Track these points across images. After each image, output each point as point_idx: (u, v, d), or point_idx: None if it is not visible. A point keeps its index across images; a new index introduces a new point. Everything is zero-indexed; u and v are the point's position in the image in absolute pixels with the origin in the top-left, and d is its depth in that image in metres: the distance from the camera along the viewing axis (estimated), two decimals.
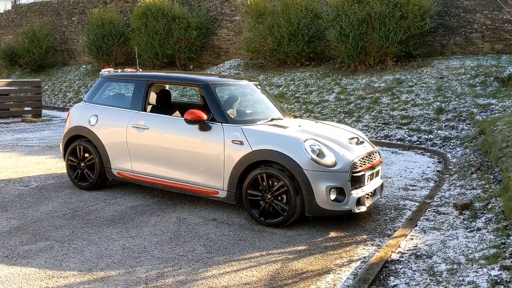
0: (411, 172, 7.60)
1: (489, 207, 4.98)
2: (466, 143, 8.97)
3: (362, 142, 5.36)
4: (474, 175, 6.53)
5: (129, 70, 6.67)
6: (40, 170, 7.17)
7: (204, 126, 5.17)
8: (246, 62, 15.60)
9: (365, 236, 4.70)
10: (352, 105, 11.68)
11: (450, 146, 9.19)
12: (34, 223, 4.88)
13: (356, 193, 4.84)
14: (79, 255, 4.09)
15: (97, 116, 5.96)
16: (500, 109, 9.97)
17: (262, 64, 15.17)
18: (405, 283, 3.54)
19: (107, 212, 5.24)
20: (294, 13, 13.71)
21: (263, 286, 3.59)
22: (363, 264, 4.03)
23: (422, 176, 7.37)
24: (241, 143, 4.97)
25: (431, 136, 9.82)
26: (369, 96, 11.88)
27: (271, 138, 4.93)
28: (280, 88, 13.12)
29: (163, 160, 5.45)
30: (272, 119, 5.52)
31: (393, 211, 5.52)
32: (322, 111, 11.67)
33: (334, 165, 4.73)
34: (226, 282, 3.65)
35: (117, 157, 5.80)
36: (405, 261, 3.92)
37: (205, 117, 5.15)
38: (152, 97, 5.98)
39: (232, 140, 5.02)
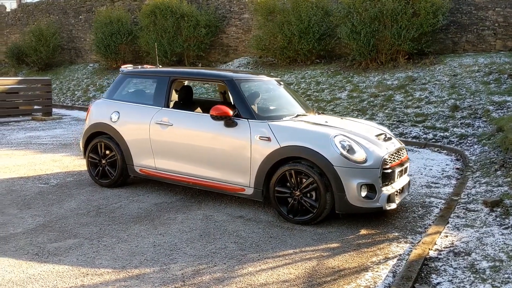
0: (431, 169, 7.51)
1: None
2: (484, 141, 8.88)
3: (390, 138, 5.29)
4: (499, 172, 6.45)
5: (148, 66, 6.59)
6: (58, 167, 7.10)
7: (230, 122, 5.10)
8: (256, 60, 15.53)
9: (396, 234, 4.62)
10: (365, 102, 11.60)
11: (467, 144, 9.10)
12: (60, 220, 4.81)
13: (387, 190, 4.77)
14: (110, 252, 4.02)
15: (118, 112, 5.89)
16: None
17: (272, 62, 15.10)
18: (448, 281, 3.47)
19: (131, 209, 5.17)
20: (304, 10, 13.63)
21: (302, 283, 3.52)
22: (399, 261, 3.95)
23: (443, 173, 7.29)
24: (269, 139, 4.90)
25: (447, 134, 9.73)
26: (382, 93, 11.80)
27: (300, 134, 4.85)
28: (291, 86, 13.02)
29: (187, 157, 5.37)
30: (297, 115, 5.44)
31: (420, 209, 5.44)
32: (335, 109, 11.59)
33: (365, 161, 4.65)
34: (264, 279, 3.57)
35: (139, 154, 5.73)
36: (444, 259, 3.85)
37: (231, 113, 5.08)
38: (174, 94, 5.91)
39: (259, 137, 4.95)
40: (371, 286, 3.50)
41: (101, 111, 6.10)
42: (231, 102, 6.67)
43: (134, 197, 5.65)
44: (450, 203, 5.37)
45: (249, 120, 5.08)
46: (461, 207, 5.24)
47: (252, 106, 5.24)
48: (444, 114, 10.50)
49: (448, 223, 4.73)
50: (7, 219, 4.80)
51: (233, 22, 16.61)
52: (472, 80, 11.53)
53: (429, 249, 3.99)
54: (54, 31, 18.65)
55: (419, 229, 4.77)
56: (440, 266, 3.72)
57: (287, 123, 5.08)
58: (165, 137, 5.52)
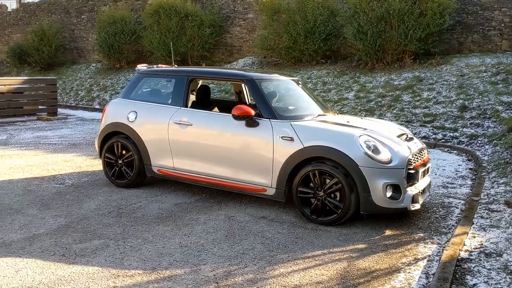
0: (444, 170, 7.50)
1: None
2: (495, 141, 8.88)
3: (412, 139, 5.27)
4: None
5: (164, 66, 6.55)
6: (71, 168, 7.05)
7: (251, 122, 5.06)
8: (260, 60, 15.50)
9: (421, 234, 4.60)
10: (372, 103, 11.59)
11: (478, 144, 9.10)
12: (81, 221, 4.76)
13: (411, 191, 4.74)
14: (137, 253, 3.98)
15: (136, 112, 5.84)
16: None
17: (277, 62, 15.07)
18: (484, 282, 3.44)
19: (152, 210, 5.13)
20: (310, 10, 13.62)
21: (336, 285, 3.49)
22: (430, 262, 3.93)
23: (456, 174, 7.27)
24: (292, 139, 4.86)
25: (457, 134, 9.72)
26: (390, 93, 11.79)
27: (324, 134, 4.82)
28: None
29: (207, 157, 5.33)
30: (318, 115, 5.41)
31: (441, 209, 5.42)
32: (343, 109, 11.56)
33: (390, 161, 4.63)
34: (297, 281, 3.54)
35: (157, 154, 5.68)
36: (476, 260, 3.82)
37: (253, 112, 5.04)
38: (192, 93, 5.87)
39: (282, 136, 4.91)
40: (406, 287, 3.47)
41: (117, 111, 6.05)
42: (246, 102, 6.66)
43: (153, 197, 5.61)
44: (471, 204, 5.34)
45: (271, 120, 5.05)
46: (483, 208, 5.22)
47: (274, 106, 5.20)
48: (453, 114, 10.49)
49: (473, 223, 4.70)
50: (29, 220, 4.75)
51: (237, 22, 16.57)
52: (479, 80, 11.53)
53: (459, 250, 3.96)
54: (56, 30, 18.58)
55: (443, 230, 4.74)
56: (473, 267, 3.69)
57: (310, 123, 5.05)
58: (184, 137, 5.47)
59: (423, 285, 3.52)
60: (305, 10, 13.71)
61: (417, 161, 4.93)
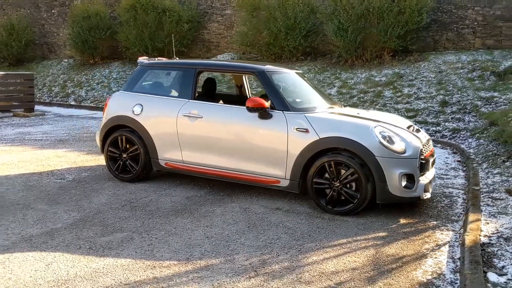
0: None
1: None
2: (478, 134, 9.20)
3: (419, 130, 5.41)
4: (508, 163, 6.71)
5: (164, 59, 6.48)
6: (65, 163, 6.88)
7: (265, 114, 5.09)
8: (240, 56, 15.49)
9: (434, 222, 4.74)
10: (355, 98, 11.79)
11: (461, 138, 9.41)
12: (96, 215, 4.67)
13: (423, 180, 4.88)
14: (165, 245, 3.94)
15: (141, 105, 5.76)
16: (504, 101, 10.29)
17: (256, 58, 15.11)
18: (511, 264, 3.59)
19: (165, 203, 5.08)
20: (291, 7, 13.72)
21: (371, 271, 3.57)
22: (451, 248, 4.06)
23: (447, 166, 7.50)
24: (306, 131, 4.92)
25: (440, 128, 10.03)
26: (371, 89, 12.03)
27: (340, 126, 4.90)
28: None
29: (219, 150, 5.32)
30: (328, 107, 5.48)
31: (444, 199, 5.59)
32: None
33: (404, 151, 4.75)
34: (333, 267, 3.60)
35: (165, 147, 5.63)
36: (497, 244, 3.98)
37: (267, 105, 5.06)
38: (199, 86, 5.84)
39: (297, 128, 4.95)
40: (437, 271, 3.59)
41: (121, 104, 5.95)
42: (247, 96, 6.68)
43: (161, 191, 5.55)
44: (474, 193, 5.53)
45: (284, 112, 5.08)
46: (486, 196, 5.42)
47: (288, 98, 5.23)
48: (434, 109, 10.81)
49: (481, 211, 4.88)
50: (41, 215, 4.62)
51: (215, 18, 16.52)
52: (457, 76, 11.91)
53: (479, 235, 4.11)
54: (25, 25, 18.01)
55: (453, 218, 4.90)
56: (497, 251, 3.84)
57: (323, 115, 5.12)
58: (194, 130, 5.44)
59: (452, 268, 3.64)
60: (285, 7, 13.80)
61: (427, 151, 5.08)
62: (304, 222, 4.62)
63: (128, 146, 5.86)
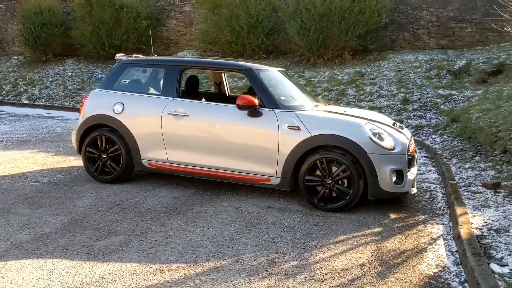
0: None
1: None
2: (441, 131, 9.55)
3: (402, 127, 5.54)
4: (477, 158, 7.00)
5: (140, 56, 6.30)
6: (35, 165, 6.56)
7: (255, 112, 5.05)
8: (200, 54, 15.33)
9: (422, 216, 4.87)
10: (319, 97, 11.93)
11: (424, 134, 9.73)
12: (85, 218, 4.48)
13: (410, 176, 5.01)
14: (167, 247, 3.83)
15: (123, 103, 5.57)
16: (463, 99, 10.74)
17: (218, 56, 14.99)
18: (508, 255, 3.74)
19: (153, 205, 4.95)
20: (253, 5, 13.70)
21: (378, 266, 3.62)
22: (446, 241, 4.19)
23: (416, 161, 7.73)
24: (298, 128, 4.92)
25: (403, 125, 10.30)
26: (335, 88, 12.23)
27: (331, 123, 4.94)
28: (244, 80, 13.05)
29: (207, 148, 5.23)
30: (315, 105, 5.51)
31: (424, 193, 5.76)
32: None
33: (394, 148, 4.85)
34: (341, 264, 3.62)
35: (148, 147, 5.48)
36: (490, 236, 4.13)
37: (257, 102, 5.03)
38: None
39: (288, 126, 4.95)
40: (441, 264, 3.69)
41: (100, 103, 5.73)
42: (226, 93, 6.62)
43: (145, 192, 5.40)
44: (453, 187, 5.73)
45: (274, 109, 5.06)
46: (465, 190, 5.63)
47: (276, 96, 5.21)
48: (396, 107, 11.12)
49: (465, 205, 5.06)
50: (26, 220, 4.38)
51: (174, 15, 16.26)
52: (416, 75, 12.32)
53: (471, 228, 4.26)
54: None
55: (439, 212, 5.06)
56: (491, 243, 3.99)
57: (314, 113, 5.14)
58: (180, 129, 5.32)
59: (453, 261, 3.76)
60: (247, 5, 13.77)
61: (411, 147, 5.21)
62: (299, 219, 4.63)
63: (108, 146, 5.65)
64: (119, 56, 5.99)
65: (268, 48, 14.31)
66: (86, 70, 15.28)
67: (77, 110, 13.12)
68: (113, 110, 5.58)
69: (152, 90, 5.69)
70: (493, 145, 7.27)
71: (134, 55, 6.20)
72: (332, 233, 4.29)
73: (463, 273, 3.52)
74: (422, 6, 14.23)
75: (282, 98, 5.29)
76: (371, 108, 11.09)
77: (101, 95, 5.79)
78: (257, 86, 5.23)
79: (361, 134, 4.79)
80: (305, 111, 5.12)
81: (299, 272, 3.44)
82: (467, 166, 6.79)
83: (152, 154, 5.48)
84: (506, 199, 5.15)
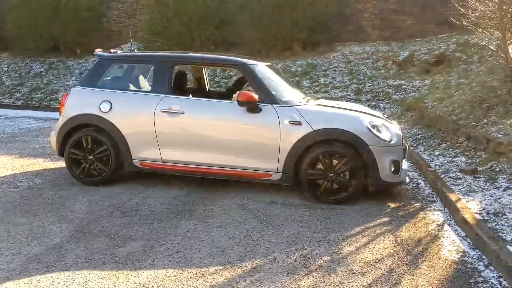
0: None
1: (497, 169, 5.77)
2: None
3: (390, 121, 5.74)
4: (443, 145, 7.41)
5: (119, 51, 6.03)
6: (6, 169, 6.12)
7: (254, 108, 5.02)
8: (146, 46, 14.88)
9: (418, 204, 5.10)
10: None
11: None
12: (90, 224, 4.26)
13: (404, 166, 5.21)
14: (194, 250, 3.74)
15: (110, 102, 5.32)
16: (412, 88, 11.28)
17: (164, 48, 14.63)
18: None
19: (155, 206, 4.79)
20: None
21: (406, 255, 3.75)
22: (451, 226, 4.42)
23: None
24: (299, 123, 4.96)
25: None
26: (290, 79, 12.35)
27: (333, 117, 5.02)
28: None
29: (204, 146, 5.13)
30: (307, 100, 5.56)
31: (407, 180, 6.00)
32: None
33: (391, 139, 5.02)
34: (371, 256, 3.72)
35: (140, 146, 5.28)
36: (492, 220, 4.40)
37: (257, 98, 5.00)
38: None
39: (290, 121, 4.97)
40: (459, 250, 3.89)
41: (84, 101, 5.42)
42: (207, 88, 6.52)
43: (139, 193, 5.21)
44: (434, 174, 6.03)
45: (273, 105, 5.06)
46: (445, 177, 5.94)
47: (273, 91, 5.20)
48: (350, 97, 11.47)
49: (454, 191, 5.35)
50: (27, 229, 4.09)
51: (115, 6, 15.66)
52: (365, 66, 12.76)
53: (472, 213, 4.52)
54: None
55: (429, 198, 5.32)
56: (495, 226, 4.26)
57: (313, 107, 5.20)
58: (174, 127, 5.17)
59: (468, 246, 3.98)
60: None
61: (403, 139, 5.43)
62: (308, 213, 4.68)
63: (94, 147, 5.37)
64: (99, 52, 5.69)
65: (218, 40, 14.17)
66: (23, 65, 14.35)
67: (20, 107, 12.33)
68: (100, 109, 5.31)
69: (140, 87, 5.47)
70: (456, 132, 7.71)
71: (112, 50, 5.91)
72: (345, 225, 4.38)
73: (483, 257, 3.73)
74: None
75: (278, 93, 5.29)
76: (327, 99, 11.34)
77: (84, 94, 5.49)
78: (254, 81, 5.19)
79: (362, 127, 4.91)
80: (305, 106, 5.17)
81: (337, 267, 3.49)
82: (437, 153, 7.16)
83: (144, 154, 5.29)
84: (488, 183, 5.50)
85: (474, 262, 3.66)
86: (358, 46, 13.84)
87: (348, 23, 14.78)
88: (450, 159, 6.73)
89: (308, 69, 12.70)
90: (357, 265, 3.53)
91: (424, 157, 7.06)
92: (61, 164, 6.32)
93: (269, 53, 13.59)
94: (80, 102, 5.44)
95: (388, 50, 13.45)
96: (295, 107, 5.07)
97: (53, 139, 5.58)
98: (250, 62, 5.37)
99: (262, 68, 5.52)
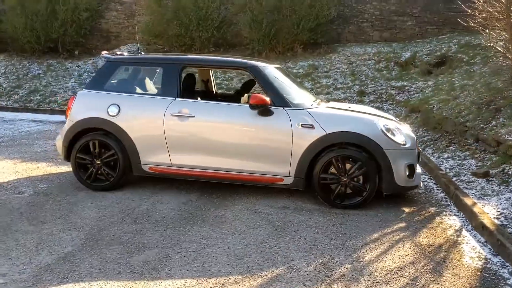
0: None
1: (509, 172, 5.69)
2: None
3: (400, 123, 5.65)
4: (452, 148, 7.34)
5: (125, 53, 5.92)
6: (7, 174, 5.99)
7: (266, 111, 4.92)
8: (145, 48, 14.76)
9: (432, 208, 5.01)
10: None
11: None
12: (101, 231, 4.14)
13: (418, 170, 5.13)
14: (211, 258, 3.64)
15: (118, 105, 5.20)
16: (416, 89, 11.22)
17: (164, 49, 14.53)
18: None
19: (166, 212, 4.68)
20: None
21: (428, 263, 3.66)
22: (469, 232, 4.34)
23: None
24: (312, 126, 4.86)
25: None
26: (299, 82, 12.27)
27: (346, 120, 4.93)
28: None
29: (215, 150, 5.03)
30: (319, 102, 5.47)
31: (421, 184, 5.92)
32: None
33: (405, 143, 4.94)
34: (393, 263, 3.63)
35: (149, 151, 5.17)
36: (510, 225, 4.33)
37: (269, 101, 4.90)
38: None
39: (302, 124, 4.88)
40: (481, 256, 3.81)
41: (91, 105, 5.31)
42: (213, 91, 6.42)
43: (148, 198, 5.10)
44: (446, 178, 5.95)
45: (284, 108, 4.96)
46: (458, 180, 5.87)
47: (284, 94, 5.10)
48: (353, 99, 11.39)
49: (468, 195, 5.27)
50: (37, 238, 3.97)
51: (113, 7, 15.51)
52: (367, 67, 12.69)
53: (491, 218, 4.44)
54: None
55: (443, 202, 5.24)
56: None
57: (326, 110, 5.10)
58: (185, 131, 5.07)
59: (490, 252, 3.90)
60: None
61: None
62: (322, 219, 4.58)
63: (102, 151, 5.26)
64: (107, 54, 5.58)
65: (218, 41, 14.07)
66: (20, 67, 14.18)
67: (18, 110, 12.17)
68: (108, 112, 5.19)
69: (149, 90, 5.37)
70: (463, 134, 7.65)
71: (118, 52, 5.80)
72: (362, 231, 4.29)
73: (507, 264, 3.65)
74: (366, 0, 14.64)
75: (289, 95, 5.19)
76: (330, 101, 11.27)
77: (91, 97, 5.37)
78: (265, 84, 5.09)
79: (376, 130, 4.83)
80: (317, 109, 5.07)
81: (359, 276, 3.40)
82: (445, 156, 7.09)
83: (153, 158, 5.18)
84: (501, 187, 5.43)
85: (498, 269, 3.58)
86: (359, 47, 13.77)
87: (349, 24, 14.72)
88: (459, 161, 6.66)
89: (310, 71, 12.62)
90: (379, 274, 3.44)
91: (433, 160, 6.98)
92: (65, 168, 6.22)
93: (270, 55, 13.50)
94: (87, 105, 5.32)
95: (389, 51, 13.38)
96: (307, 110, 4.98)
97: (59, 143, 5.46)
98: (260, 64, 5.28)
99: (272, 70, 5.42)
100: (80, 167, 5.32)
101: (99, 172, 5.28)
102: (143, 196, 5.17)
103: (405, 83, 11.68)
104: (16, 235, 4.01)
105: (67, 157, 5.38)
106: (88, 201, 4.97)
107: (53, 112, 11.67)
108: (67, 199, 5.03)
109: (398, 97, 11.14)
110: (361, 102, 11.15)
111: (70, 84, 13.34)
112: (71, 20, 14.25)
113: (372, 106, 10.87)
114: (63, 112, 11.54)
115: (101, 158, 5.25)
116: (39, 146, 7.80)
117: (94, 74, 5.32)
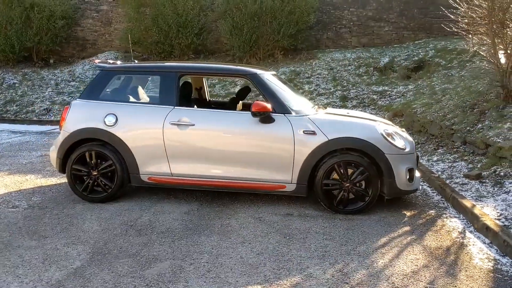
0: None
1: (501, 174, 5.83)
2: None
3: (400, 128, 5.72)
4: (440, 150, 7.47)
5: (119, 62, 5.82)
6: None
7: (267, 118, 4.91)
8: (123, 56, 14.57)
9: (432, 211, 5.08)
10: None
11: None
12: (107, 244, 4.04)
13: (417, 173, 5.20)
14: (226, 269, 3.59)
15: (115, 115, 5.10)
16: (397, 94, 11.41)
17: (144, 57, 14.38)
18: None
19: (169, 222, 4.60)
20: (181, 4, 13.32)
21: (440, 266, 3.70)
22: (472, 234, 4.41)
23: None
24: (314, 133, 4.87)
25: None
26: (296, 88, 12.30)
27: (347, 126, 4.95)
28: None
29: (216, 159, 4.98)
30: (317, 108, 5.49)
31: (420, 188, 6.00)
32: None
33: (405, 147, 5.00)
34: (407, 268, 3.65)
35: (148, 161, 5.08)
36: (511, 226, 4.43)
37: (271, 108, 4.89)
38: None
39: (304, 131, 4.88)
40: (490, 258, 3.87)
41: (87, 115, 5.18)
42: (207, 98, 6.37)
43: (148, 209, 5.01)
44: (440, 180, 6.05)
45: (285, 114, 4.96)
46: (452, 183, 5.97)
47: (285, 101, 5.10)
48: (337, 104, 11.50)
49: (465, 197, 5.37)
50: (42, 253, 3.84)
51: (89, 14, 15.27)
52: (347, 73, 12.84)
53: (492, 219, 4.53)
54: None
55: (441, 205, 5.32)
56: None
57: (327, 117, 5.12)
58: (185, 140, 5.00)
59: (497, 253, 3.97)
60: (175, 4, 13.35)
61: None
62: (328, 225, 4.59)
63: (99, 162, 5.14)
64: (100, 63, 5.47)
65: (198, 48, 14.01)
66: None
67: None
68: (104, 122, 5.08)
69: (146, 99, 5.28)
70: (450, 137, 7.80)
71: (111, 62, 5.69)
72: (369, 236, 4.31)
73: None
74: (343, 6, 14.85)
75: (289, 102, 5.19)
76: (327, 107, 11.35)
77: (86, 107, 5.25)
78: (266, 91, 5.09)
79: (377, 135, 4.87)
80: (317, 115, 5.09)
81: (378, 281, 3.41)
82: (435, 159, 7.21)
83: (152, 168, 5.09)
84: (495, 188, 5.55)
85: (510, 270, 3.65)
86: (339, 53, 13.93)
87: (327, 30, 14.89)
88: (450, 164, 6.77)
89: (292, 77, 12.68)
90: (397, 278, 3.46)
91: (423, 163, 7.09)
92: (56, 180, 6.07)
93: (250, 61, 13.52)
94: (82, 115, 5.20)
95: (368, 56, 13.59)
96: (308, 116, 4.98)
97: (52, 154, 5.31)
98: (259, 71, 5.27)
99: (270, 77, 5.42)
100: (76, 178, 5.18)
101: (96, 183, 5.15)
102: (142, 207, 5.08)
103: (386, 88, 11.86)
104: (19, 251, 3.88)
105: (62, 169, 5.24)
106: (87, 213, 4.85)
107: (31, 122, 11.38)
108: (65, 212, 4.90)
109: (380, 102, 11.30)
110: (344, 107, 11.26)
111: (47, 93, 13.03)
112: (46, 28, 13.95)
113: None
114: (41, 123, 11.28)
115: (98, 169, 5.13)
116: (24, 157, 7.58)
117: (88, 83, 5.20)
